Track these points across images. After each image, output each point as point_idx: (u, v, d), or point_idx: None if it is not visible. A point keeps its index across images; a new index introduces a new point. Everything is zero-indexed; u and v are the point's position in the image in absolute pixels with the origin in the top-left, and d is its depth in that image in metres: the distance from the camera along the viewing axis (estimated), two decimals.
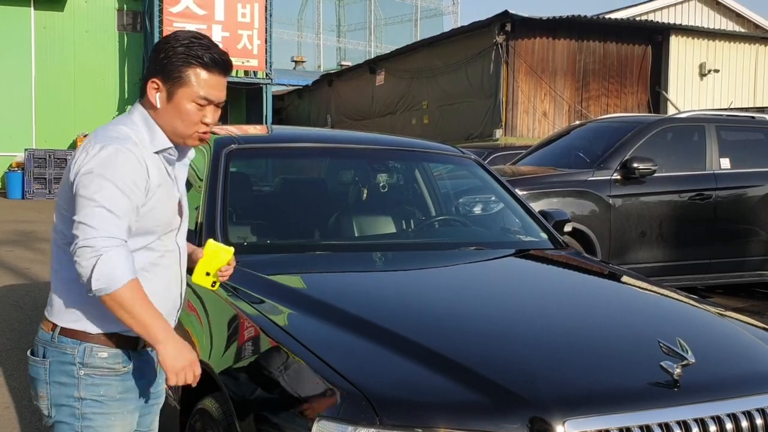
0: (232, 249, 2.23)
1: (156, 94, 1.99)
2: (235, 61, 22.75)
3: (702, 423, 1.96)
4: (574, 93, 15.59)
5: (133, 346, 2.03)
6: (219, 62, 2.01)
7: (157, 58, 2.00)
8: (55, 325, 1.99)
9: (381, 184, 3.67)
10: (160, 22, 21.59)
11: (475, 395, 1.93)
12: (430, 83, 17.76)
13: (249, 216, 3.45)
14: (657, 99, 15.93)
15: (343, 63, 34.59)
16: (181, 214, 2.11)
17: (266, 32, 22.76)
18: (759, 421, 2.03)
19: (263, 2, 22.73)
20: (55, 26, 22.81)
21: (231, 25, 22.51)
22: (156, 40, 21.18)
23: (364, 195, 3.65)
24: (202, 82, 1.98)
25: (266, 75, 23.15)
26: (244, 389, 2.28)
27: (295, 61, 36.18)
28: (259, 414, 2.17)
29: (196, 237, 3.04)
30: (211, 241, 2.23)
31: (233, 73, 23.69)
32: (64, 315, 1.99)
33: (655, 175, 7.06)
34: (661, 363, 2.03)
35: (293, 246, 3.18)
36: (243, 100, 25.45)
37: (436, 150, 4.05)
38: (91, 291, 1.82)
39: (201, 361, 2.49)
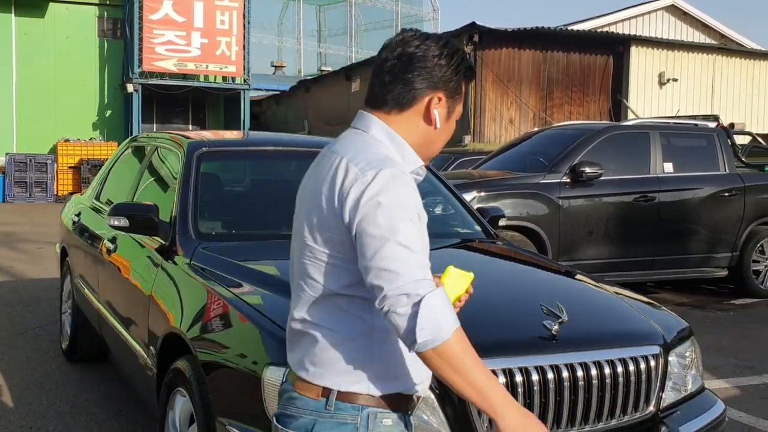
0: (471, 274, 1.83)
1: (436, 111, 1.69)
2: (213, 67, 23.27)
3: (571, 367, 2.48)
4: (539, 101, 16.22)
5: (407, 409, 1.71)
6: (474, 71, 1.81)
7: (436, 67, 1.68)
8: (327, 390, 1.63)
9: None
10: (140, 28, 21.97)
11: None
12: None
13: (218, 211, 3.93)
14: (618, 107, 16.60)
15: (323, 68, 34.82)
16: None
17: (244, 38, 23.19)
18: (620, 369, 2.56)
19: (241, 9, 23.18)
20: (36, 32, 23.11)
21: (210, 31, 22.93)
22: (136, 46, 21.62)
23: None
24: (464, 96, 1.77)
25: (244, 81, 23.55)
26: (210, 350, 2.76)
27: (275, 66, 36.48)
28: (222, 369, 2.66)
29: (170, 229, 3.52)
30: (451, 268, 1.79)
31: (211, 79, 24.17)
32: (341, 377, 1.62)
33: (602, 178, 7.59)
34: (543, 322, 2.55)
35: (255, 235, 3.68)
36: (221, 105, 25.86)
37: None
38: (414, 346, 1.49)
39: (174, 329, 3.01)
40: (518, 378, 2.40)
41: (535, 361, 2.45)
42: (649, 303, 3.27)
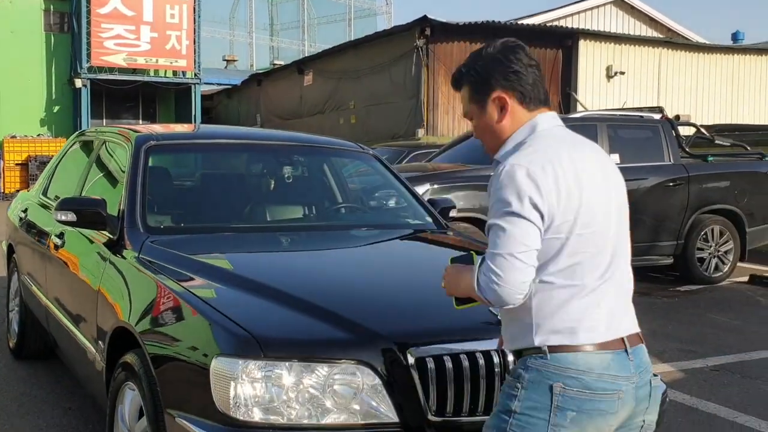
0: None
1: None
2: (164, 62, 22.99)
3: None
4: None
5: None
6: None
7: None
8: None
9: (286, 176, 4.21)
10: (88, 22, 21.58)
11: (341, 333, 2.49)
12: (357, 84, 18.30)
13: (167, 204, 3.92)
14: (568, 100, 16.88)
15: (276, 62, 34.62)
16: None
17: (195, 33, 22.94)
18: None
19: (192, 3, 22.92)
20: None
21: (159, 25, 22.62)
22: (84, 41, 21.22)
23: (271, 185, 4.19)
24: None
25: (195, 75, 23.32)
26: (159, 343, 2.76)
27: (227, 60, 36.19)
28: (172, 362, 2.66)
29: (118, 223, 3.50)
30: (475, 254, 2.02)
31: (161, 73, 23.85)
32: None
33: None
34: (490, 308, 2.60)
35: (203, 228, 3.68)
36: (172, 100, 25.55)
37: (337, 146, 4.61)
38: None
39: (123, 323, 2.99)
40: (465, 363, 2.45)
41: (480, 346, 2.50)
42: None
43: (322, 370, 2.37)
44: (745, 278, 8.84)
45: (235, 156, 4.41)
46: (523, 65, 2.03)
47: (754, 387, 4.96)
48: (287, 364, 2.36)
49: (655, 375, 2.02)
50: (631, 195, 7.46)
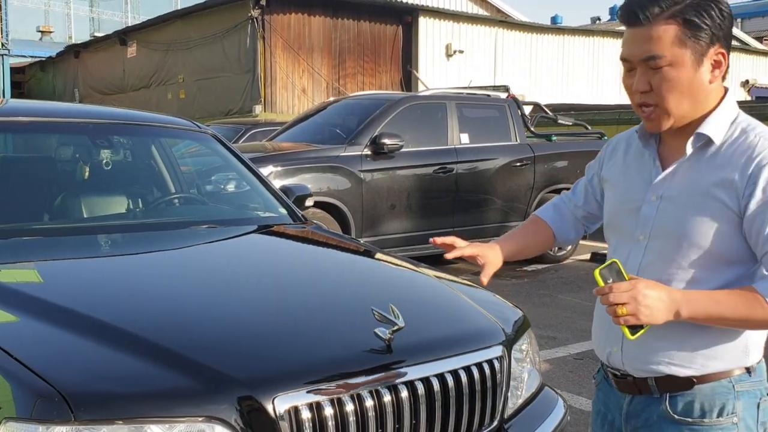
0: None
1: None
2: None
3: (411, 385, 2.02)
4: (332, 70, 15.85)
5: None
6: (625, 10, 1.58)
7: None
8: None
9: (104, 161, 3.40)
10: None
11: (182, 379, 1.84)
12: (186, 56, 17.12)
13: None
14: (409, 78, 16.70)
15: (96, 34, 32.55)
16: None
17: (2, 0, 20.67)
18: (464, 379, 2.14)
19: None
20: None
21: None
22: None
23: (85, 174, 3.37)
24: (622, 43, 1.62)
25: (2, 45, 21.04)
26: None
27: (42, 32, 33.91)
28: None
29: None
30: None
31: None
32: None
33: (403, 150, 7.36)
34: (375, 330, 2.06)
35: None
36: None
37: (168, 124, 3.85)
38: None
39: None
40: (349, 407, 1.90)
41: (369, 384, 1.95)
42: (471, 285, 2.93)
43: None
44: (587, 256, 8.96)
45: (41, 137, 3.56)
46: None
47: None
48: (108, 428, 1.71)
49: None
50: (481, 175, 7.25)
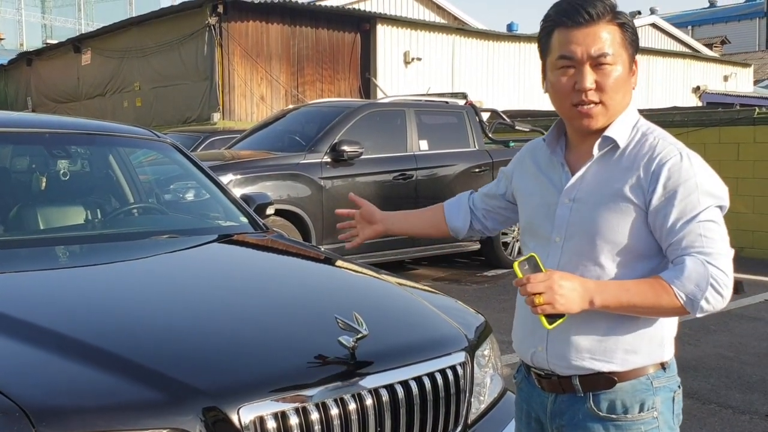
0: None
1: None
2: None
3: (376, 392, 2.03)
4: (290, 78, 15.80)
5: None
6: (568, 10, 1.63)
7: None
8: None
9: (61, 172, 3.35)
10: None
11: (146, 391, 1.82)
12: (142, 64, 16.90)
13: None
14: (368, 85, 16.73)
15: (48, 41, 31.96)
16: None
17: None
18: (428, 386, 2.16)
19: None
20: None
21: None
22: None
23: (42, 185, 3.32)
24: (558, 43, 1.65)
25: None
26: None
27: None
28: None
29: None
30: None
31: None
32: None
33: (363, 157, 7.40)
34: (339, 338, 2.07)
35: None
36: None
37: (126, 133, 3.81)
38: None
39: None
40: (314, 415, 1.91)
41: (334, 392, 1.96)
42: (432, 292, 2.96)
43: None
44: None
45: None
46: None
47: None
48: None
49: None
50: (440, 181, 7.34)
